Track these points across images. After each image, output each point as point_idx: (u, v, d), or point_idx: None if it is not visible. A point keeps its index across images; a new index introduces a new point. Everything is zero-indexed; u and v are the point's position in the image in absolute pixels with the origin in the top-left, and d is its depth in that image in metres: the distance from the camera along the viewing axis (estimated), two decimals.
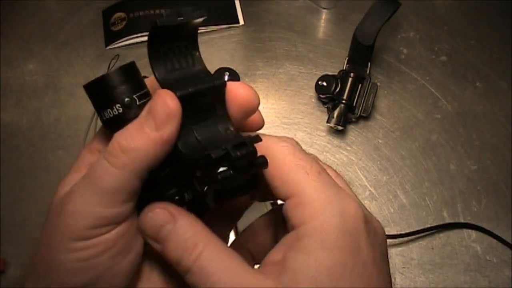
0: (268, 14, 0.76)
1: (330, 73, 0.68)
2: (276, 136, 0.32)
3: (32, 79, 0.73)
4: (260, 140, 0.29)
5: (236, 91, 0.30)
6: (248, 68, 0.72)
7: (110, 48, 0.74)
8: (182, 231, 0.28)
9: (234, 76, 0.64)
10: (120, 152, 0.27)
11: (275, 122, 0.69)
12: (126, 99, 0.28)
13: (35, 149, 0.68)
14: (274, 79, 0.71)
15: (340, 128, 0.66)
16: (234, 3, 0.77)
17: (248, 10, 0.76)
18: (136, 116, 0.28)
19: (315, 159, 0.31)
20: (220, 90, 0.30)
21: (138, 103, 0.29)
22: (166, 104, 0.27)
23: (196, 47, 0.31)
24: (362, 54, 0.67)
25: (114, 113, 0.28)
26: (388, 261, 0.30)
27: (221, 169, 0.27)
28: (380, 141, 0.68)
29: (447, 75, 0.72)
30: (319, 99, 0.69)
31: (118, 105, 0.28)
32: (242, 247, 0.34)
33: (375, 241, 0.29)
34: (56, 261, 0.28)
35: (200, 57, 0.31)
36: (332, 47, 0.74)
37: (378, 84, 0.68)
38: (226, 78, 0.64)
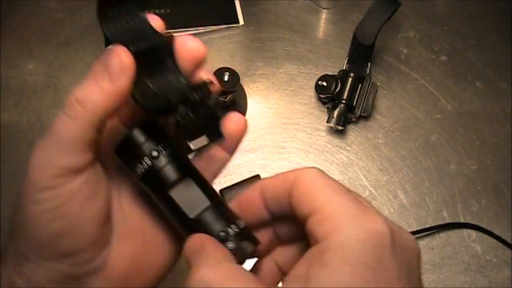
0: (268, 14, 0.76)
1: (330, 73, 0.68)
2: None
3: (32, 79, 0.73)
4: (212, 82, 0.31)
5: (183, 44, 0.32)
6: (248, 68, 0.72)
7: (110, 48, 0.74)
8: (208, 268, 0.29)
9: (234, 76, 0.64)
10: (76, 104, 0.29)
11: (275, 122, 0.69)
12: (154, 153, 0.31)
13: None
14: (274, 79, 0.71)
15: (340, 128, 0.66)
16: (234, 3, 0.77)
17: (248, 10, 0.76)
18: (166, 165, 0.31)
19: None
20: (169, 44, 0.32)
21: (164, 152, 0.31)
22: (120, 59, 0.29)
23: (141, 8, 0.33)
24: (362, 54, 0.67)
25: (145, 167, 0.31)
26: (419, 276, 0.30)
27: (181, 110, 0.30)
28: (380, 141, 0.68)
29: (447, 75, 0.72)
30: (319, 99, 0.69)
31: (147, 158, 0.31)
32: (271, 259, 0.34)
33: (403, 258, 0.28)
34: (26, 214, 0.30)
35: (146, 17, 0.32)
36: (332, 47, 0.74)
37: (378, 84, 0.68)
38: (226, 78, 0.64)
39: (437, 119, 0.69)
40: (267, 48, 0.74)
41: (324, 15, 0.77)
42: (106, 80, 0.29)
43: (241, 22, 0.76)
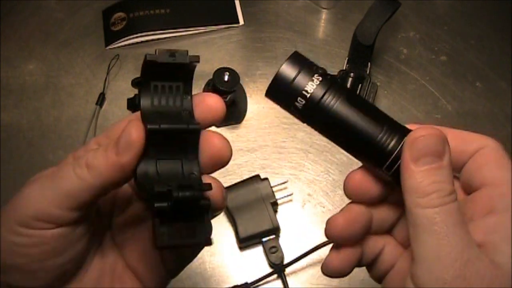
0: (268, 14, 0.76)
1: (330, 73, 0.68)
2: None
3: (32, 79, 0.73)
4: (210, 189, 0.30)
5: (210, 141, 0.32)
6: (248, 68, 0.72)
7: (110, 48, 0.74)
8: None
9: (234, 76, 0.64)
10: (84, 165, 0.30)
11: (275, 122, 0.69)
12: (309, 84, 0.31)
13: (35, 149, 0.68)
14: None
15: None
16: (234, 3, 0.77)
17: (248, 10, 0.76)
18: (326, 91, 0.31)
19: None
20: (194, 134, 0.31)
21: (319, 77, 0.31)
22: (129, 134, 0.29)
23: (189, 90, 0.32)
24: (362, 54, 0.67)
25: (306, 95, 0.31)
26: None
27: (159, 204, 0.29)
28: None
29: (447, 75, 0.72)
30: None
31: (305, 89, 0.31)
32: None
33: None
34: None
35: (191, 100, 0.32)
36: (332, 47, 0.74)
37: (378, 84, 0.68)
38: (226, 78, 0.64)
39: (437, 119, 0.69)
40: (267, 48, 0.74)
41: (324, 15, 0.77)
42: (113, 151, 0.30)
43: (241, 22, 0.76)
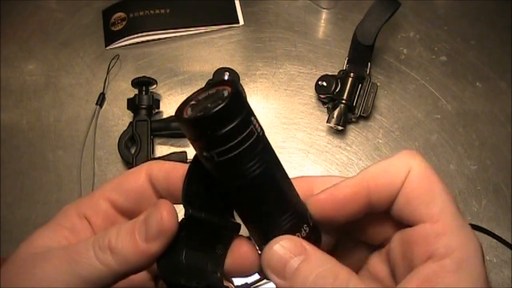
0: (268, 14, 0.76)
1: (330, 73, 0.68)
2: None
3: (32, 79, 0.73)
4: None
5: (242, 250, 0.29)
6: (248, 68, 0.72)
7: (110, 48, 0.74)
8: (317, 264, 0.27)
9: (234, 76, 0.64)
10: (107, 249, 0.27)
11: (275, 122, 0.69)
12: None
13: (35, 149, 0.68)
14: (274, 79, 0.71)
15: (340, 128, 0.66)
16: (234, 3, 0.77)
17: (248, 10, 0.76)
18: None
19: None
20: (229, 233, 0.29)
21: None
22: (161, 219, 0.27)
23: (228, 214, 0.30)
24: (362, 54, 0.67)
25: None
26: None
27: None
28: (380, 141, 0.68)
29: (447, 75, 0.72)
30: (319, 99, 0.69)
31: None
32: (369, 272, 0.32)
33: None
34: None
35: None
36: (332, 47, 0.74)
37: (378, 84, 0.68)
38: (226, 78, 0.64)
39: (437, 119, 0.69)
40: (267, 48, 0.74)
41: (324, 15, 0.77)
42: (141, 236, 0.27)
43: (241, 22, 0.76)
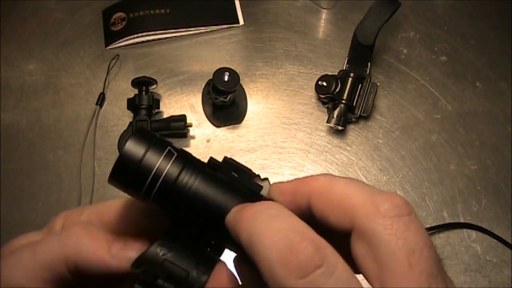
0: (268, 14, 0.76)
1: (330, 73, 0.68)
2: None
3: (32, 79, 0.73)
4: None
5: (220, 276, 0.28)
6: (248, 68, 0.72)
7: (110, 48, 0.74)
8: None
9: (234, 76, 0.64)
10: (73, 246, 0.27)
11: (275, 122, 0.69)
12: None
13: (35, 149, 0.68)
14: (274, 79, 0.71)
15: (340, 128, 0.66)
16: (234, 3, 0.77)
17: (248, 10, 0.76)
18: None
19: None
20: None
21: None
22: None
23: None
24: (362, 54, 0.67)
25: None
26: None
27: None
28: (380, 141, 0.68)
29: (447, 75, 0.72)
30: (319, 99, 0.69)
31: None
32: None
33: None
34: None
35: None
36: (332, 47, 0.74)
37: (378, 84, 0.68)
38: (226, 78, 0.64)
39: (437, 119, 0.69)
40: (267, 48, 0.74)
41: (324, 15, 0.77)
42: (109, 253, 0.27)
43: (241, 22, 0.76)
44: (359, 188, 0.26)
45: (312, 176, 0.28)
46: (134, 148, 0.26)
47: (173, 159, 0.27)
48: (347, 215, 0.25)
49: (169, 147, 0.27)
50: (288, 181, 0.29)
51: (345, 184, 0.26)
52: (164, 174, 0.26)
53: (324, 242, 0.24)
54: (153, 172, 0.26)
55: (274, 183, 0.30)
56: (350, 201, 0.26)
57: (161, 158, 0.27)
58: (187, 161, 0.27)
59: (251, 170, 0.30)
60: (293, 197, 0.28)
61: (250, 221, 0.25)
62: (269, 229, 0.24)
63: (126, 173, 0.26)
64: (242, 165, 0.29)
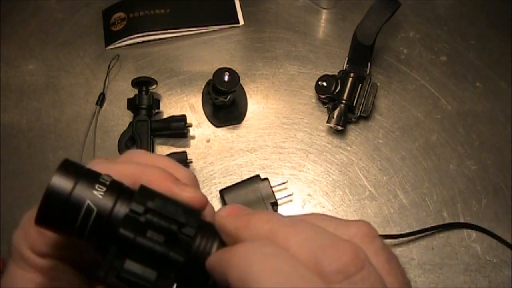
0: (268, 14, 0.76)
1: (330, 73, 0.68)
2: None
3: (32, 79, 0.73)
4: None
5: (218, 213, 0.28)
6: (248, 68, 0.72)
7: (110, 48, 0.74)
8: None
9: (234, 76, 0.64)
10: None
11: (275, 122, 0.69)
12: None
13: (35, 149, 0.68)
14: (274, 79, 0.71)
15: (340, 128, 0.66)
16: (234, 3, 0.77)
17: (248, 10, 0.76)
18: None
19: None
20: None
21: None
22: None
23: None
24: (362, 54, 0.67)
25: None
26: None
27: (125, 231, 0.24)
28: (380, 141, 0.68)
29: (447, 75, 0.72)
30: (319, 99, 0.69)
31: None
32: None
33: None
34: None
35: None
36: (332, 47, 0.74)
37: (378, 84, 0.68)
38: (226, 78, 0.64)
39: (437, 119, 0.69)
40: (267, 48, 0.74)
41: (324, 15, 0.77)
42: None
43: (241, 22, 0.76)
44: (306, 237, 0.23)
45: (262, 214, 0.25)
46: (60, 183, 0.24)
47: (104, 190, 0.24)
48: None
49: (100, 177, 0.25)
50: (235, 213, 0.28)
51: (290, 234, 0.23)
52: (97, 210, 0.24)
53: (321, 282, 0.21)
54: (84, 208, 0.24)
55: (219, 209, 0.28)
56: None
57: (92, 190, 0.24)
58: (121, 191, 0.25)
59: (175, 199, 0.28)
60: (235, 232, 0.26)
61: (242, 261, 0.22)
62: (267, 269, 0.22)
63: (53, 213, 0.24)
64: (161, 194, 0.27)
